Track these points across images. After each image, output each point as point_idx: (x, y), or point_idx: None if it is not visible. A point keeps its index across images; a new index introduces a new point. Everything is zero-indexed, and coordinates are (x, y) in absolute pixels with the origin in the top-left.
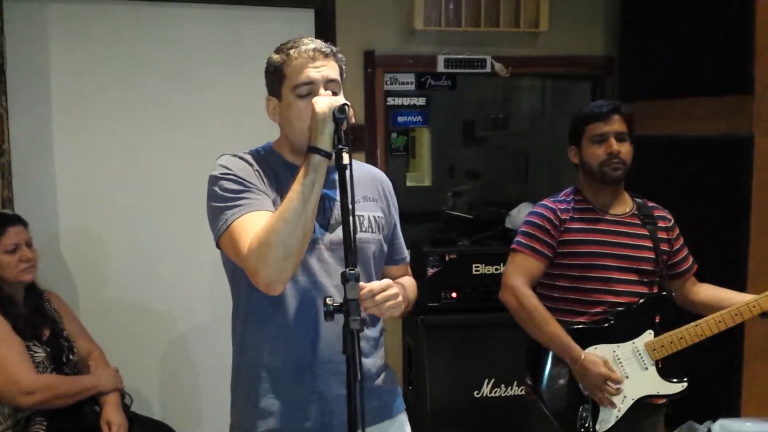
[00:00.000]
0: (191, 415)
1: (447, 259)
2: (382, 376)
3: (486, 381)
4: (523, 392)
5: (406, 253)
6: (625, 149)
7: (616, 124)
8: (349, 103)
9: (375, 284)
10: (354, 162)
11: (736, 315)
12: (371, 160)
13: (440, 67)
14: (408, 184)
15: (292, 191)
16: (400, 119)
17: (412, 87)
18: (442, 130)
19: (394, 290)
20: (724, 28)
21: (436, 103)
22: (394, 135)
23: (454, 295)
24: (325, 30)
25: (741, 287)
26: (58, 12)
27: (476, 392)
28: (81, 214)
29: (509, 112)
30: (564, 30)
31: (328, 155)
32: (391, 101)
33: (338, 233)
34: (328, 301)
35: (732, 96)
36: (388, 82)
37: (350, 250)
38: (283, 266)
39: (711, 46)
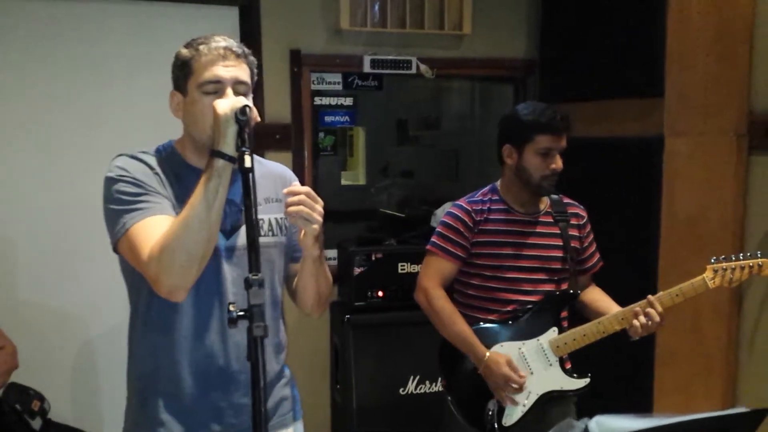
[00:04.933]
0: (106, 420)
1: (373, 258)
2: (282, 381)
3: (411, 378)
4: None
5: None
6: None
7: (563, 141)
8: (250, 104)
9: (306, 189)
10: (255, 160)
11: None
12: (298, 160)
13: (366, 68)
14: (343, 182)
15: (195, 196)
16: (327, 119)
17: (339, 87)
18: (376, 129)
19: (317, 206)
20: (638, 34)
21: (369, 102)
22: (321, 135)
23: (380, 294)
24: (250, 28)
25: (652, 281)
26: None
27: (402, 389)
28: None
29: (440, 112)
30: (487, 33)
31: (232, 159)
32: (318, 101)
33: (234, 240)
34: (231, 307)
35: (644, 99)
36: (315, 82)
37: (254, 255)
38: (186, 273)
39: (625, 51)
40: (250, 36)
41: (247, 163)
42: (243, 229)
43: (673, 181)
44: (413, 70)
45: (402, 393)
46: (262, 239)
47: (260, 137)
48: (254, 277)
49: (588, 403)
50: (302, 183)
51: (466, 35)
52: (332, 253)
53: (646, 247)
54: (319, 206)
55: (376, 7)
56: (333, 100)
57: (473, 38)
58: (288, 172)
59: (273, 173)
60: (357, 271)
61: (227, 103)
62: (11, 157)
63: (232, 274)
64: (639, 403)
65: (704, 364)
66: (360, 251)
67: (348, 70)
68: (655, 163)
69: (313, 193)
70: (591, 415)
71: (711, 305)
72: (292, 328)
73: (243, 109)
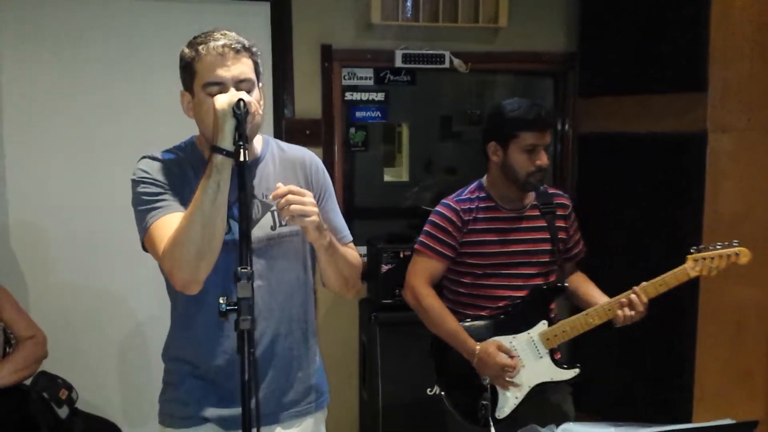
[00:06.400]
0: (138, 411)
1: (401, 255)
2: (312, 368)
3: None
4: None
5: (346, 233)
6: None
7: (548, 137)
8: (247, 98)
9: (288, 188)
10: (278, 146)
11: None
12: (328, 155)
13: (398, 62)
14: (386, 179)
15: (197, 192)
16: (359, 114)
17: (370, 82)
18: (413, 125)
19: (306, 198)
20: (681, 27)
21: (404, 97)
22: (352, 130)
23: None
24: (281, 23)
25: (694, 284)
26: (3, 5)
27: (429, 389)
28: (32, 209)
29: (482, 107)
30: (524, 26)
31: (230, 154)
32: (349, 96)
33: (256, 232)
34: (221, 300)
35: (687, 93)
36: (346, 77)
37: (245, 249)
38: (196, 267)
39: (668, 45)
40: (281, 31)
41: (242, 158)
42: (262, 222)
43: (716, 179)
44: (446, 65)
45: (429, 393)
46: (284, 229)
47: (290, 132)
48: (243, 270)
49: (623, 407)
50: (332, 179)
51: (502, 28)
52: (362, 250)
53: (687, 247)
54: (308, 198)
55: (408, 1)
56: (364, 96)
57: (509, 31)
58: (308, 155)
59: (293, 160)
60: (384, 268)
61: (225, 98)
62: (41, 147)
63: (253, 266)
64: (678, 405)
65: (746, 366)
66: (387, 248)
67: (379, 64)
68: (697, 161)
69: (295, 188)
70: (624, 419)
71: (755, 305)
72: (322, 323)
73: (238, 103)
